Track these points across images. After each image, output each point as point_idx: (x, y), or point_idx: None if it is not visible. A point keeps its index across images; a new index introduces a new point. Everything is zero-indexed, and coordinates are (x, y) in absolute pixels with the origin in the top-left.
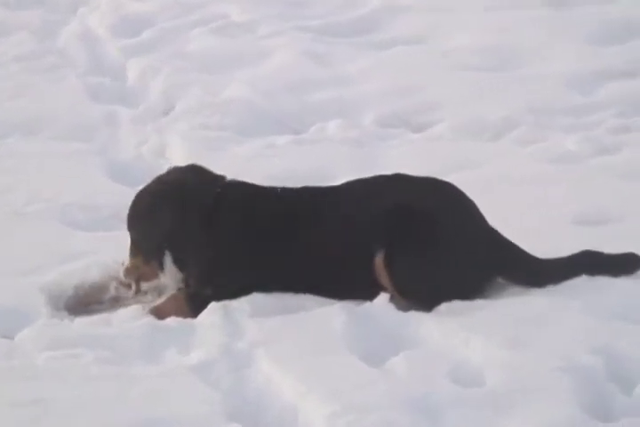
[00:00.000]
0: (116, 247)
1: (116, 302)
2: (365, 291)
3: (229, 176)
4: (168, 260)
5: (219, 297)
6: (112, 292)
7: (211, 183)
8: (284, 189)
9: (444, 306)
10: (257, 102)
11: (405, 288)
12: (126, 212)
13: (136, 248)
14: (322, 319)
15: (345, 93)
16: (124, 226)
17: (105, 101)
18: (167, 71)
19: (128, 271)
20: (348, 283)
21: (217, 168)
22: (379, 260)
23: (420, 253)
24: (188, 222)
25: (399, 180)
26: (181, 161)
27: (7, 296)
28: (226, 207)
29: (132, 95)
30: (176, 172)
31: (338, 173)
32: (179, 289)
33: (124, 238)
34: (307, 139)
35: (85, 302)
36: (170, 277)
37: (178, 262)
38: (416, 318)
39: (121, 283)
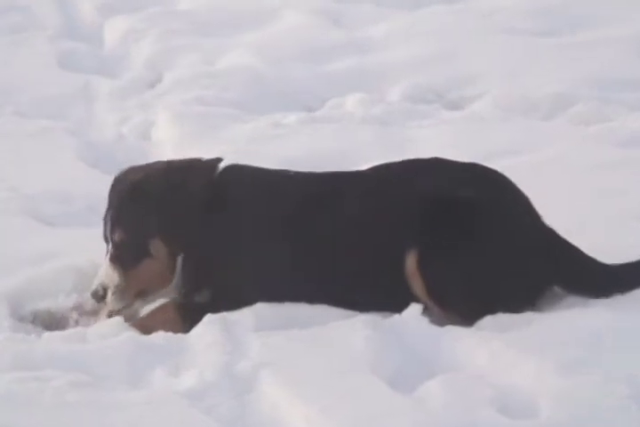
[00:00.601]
0: (92, 246)
1: (93, 314)
2: (393, 300)
3: (229, 160)
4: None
5: (217, 307)
6: (71, 324)
7: (209, 167)
8: (297, 175)
9: (488, 320)
10: (262, 72)
11: (442, 297)
12: (104, 204)
13: (126, 251)
14: (340, 335)
15: (367, 62)
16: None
17: (79, 70)
18: (154, 34)
19: (120, 288)
20: (372, 290)
21: (214, 151)
22: (410, 262)
23: (460, 254)
24: (184, 213)
25: (436, 165)
26: (170, 143)
27: None
28: (228, 195)
29: (112, 63)
30: (157, 162)
31: (358, 159)
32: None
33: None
34: (321, 117)
35: (56, 313)
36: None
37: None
38: (454, 334)
39: (84, 311)
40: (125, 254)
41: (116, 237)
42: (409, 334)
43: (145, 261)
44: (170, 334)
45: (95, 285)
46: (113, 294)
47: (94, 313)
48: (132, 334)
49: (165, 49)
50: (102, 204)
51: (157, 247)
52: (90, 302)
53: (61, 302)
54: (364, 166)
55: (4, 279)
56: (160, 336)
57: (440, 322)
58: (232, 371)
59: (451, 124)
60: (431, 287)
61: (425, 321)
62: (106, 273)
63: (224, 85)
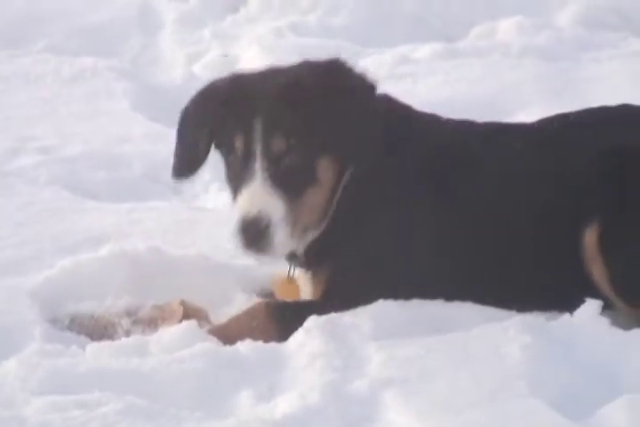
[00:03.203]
0: (153, 227)
1: (151, 323)
2: (563, 294)
3: None
4: None
5: (329, 300)
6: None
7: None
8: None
9: None
10: None
11: (631, 289)
12: (169, 169)
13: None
14: (489, 343)
15: None
16: (166, 192)
17: None
18: None
19: None
20: (533, 280)
21: None
22: (589, 239)
23: None
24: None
25: (626, 115)
26: None
27: None
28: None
29: None
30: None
31: (514, 106)
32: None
33: (168, 214)
34: (464, 49)
35: (100, 318)
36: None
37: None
38: None
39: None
40: (288, 175)
41: (279, 145)
42: (583, 340)
43: (311, 188)
44: (260, 344)
45: (252, 210)
46: (279, 228)
47: (152, 321)
48: (210, 345)
49: None
50: (165, 169)
51: (325, 168)
52: (149, 308)
53: (109, 303)
54: (523, 116)
55: (33, 272)
56: (247, 347)
57: (627, 324)
58: (344, 393)
59: None
60: (616, 275)
61: (605, 323)
62: (263, 198)
63: (330, 7)
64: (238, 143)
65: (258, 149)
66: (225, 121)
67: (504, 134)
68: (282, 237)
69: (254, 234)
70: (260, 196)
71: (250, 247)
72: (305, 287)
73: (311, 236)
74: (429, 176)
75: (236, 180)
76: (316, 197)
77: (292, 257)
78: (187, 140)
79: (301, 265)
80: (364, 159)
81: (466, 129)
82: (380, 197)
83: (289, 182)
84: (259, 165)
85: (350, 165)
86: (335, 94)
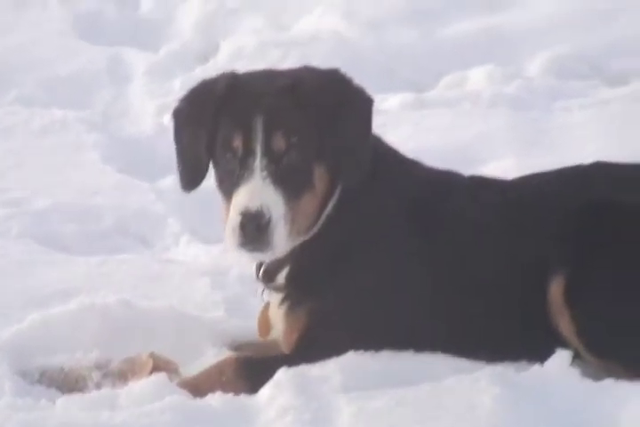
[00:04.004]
0: (124, 280)
1: (121, 377)
2: (533, 344)
3: None
4: None
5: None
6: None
7: None
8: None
9: None
10: (352, 39)
11: (598, 341)
12: (138, 221)
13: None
14: (460, 395)
15: (497, 23)
16: (136, 245)
17: (105, 41)
18: None
19: None
20: (502, 330)
21: None
22: (555, 291)
23: (624, 280)
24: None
25: (598, 174)
26: None
27: None
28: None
29: (149, 30)
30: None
31: (487, 155)
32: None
33: (139, 266)
34: (434, 98)
35: (70, 372)
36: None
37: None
38: (616, 392)
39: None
40: (287, 174)
41: (279, 143)
42: (553, 391)
43: (307, 192)
44: (230, 397)
45: (253, 205)
46: (279, 225)
47: (123, 374)
48: (180, 398)
49: (221, 9)
50: (135, 221)
51: (320, 175)
52: (119, 361)
53: (80, 357)
54: (494, 167)
55: (3, 325)
56: (217, 400)
57: (596, 375)
58: None
59: (612, 106)
60: (583, 329)
61: (575, 373)
62: (265, 194)
63: (301, 58)
64: (237, 142)
65: (258, 147)
66: (222, 120)
67: (484, 188)
68: (281, 235)
69: (254, 230)
70: (260, 191)
71: (247, 245)
72: (277, 324)
73: (298, 241)
74: (410, 220)
75: (233, 179)
76: (310, 203)
77: (271, 279)
78: (186, 146)
79: (278, 290)
80: (354, 176)
81: (448, 178)
82: (364, 237)
83: (288, 182)
84: (258, 163)
85: (341, 180)
86: (336, 101)
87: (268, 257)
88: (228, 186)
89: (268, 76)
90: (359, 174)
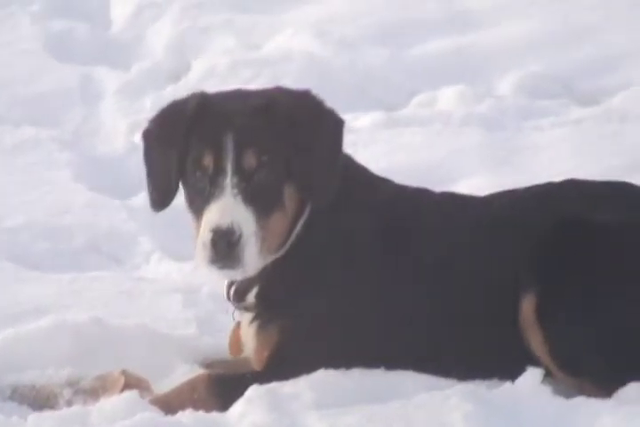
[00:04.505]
0: (95, 298)
1: (93, 394)
2: (503, 363)
3: None
4: None
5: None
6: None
7: None
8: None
9: (632, 390)
10: (324, 59)
11: (569, 359)
12: (110, 239)
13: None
14: (430, 412)
15: (468, 43)
16: (108, 262)
17: (76, 59)
18: (176, 9)
19: None
20: (473, 348)
21: None
22: (527, 308)
23: (595, 298)
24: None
25: (570, 191)
26: None
27: None
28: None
29: (121, 50)
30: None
31: (457, 174)
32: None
33: (110, 284)
34: (405, 117)
35: (42, 389)
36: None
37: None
38: (587, 409)
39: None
40: (257, 192)
41: (250, 161)
42: (525, 409)
43: (277, 211)
44: (202, 414)
45: (224, 222)
46: (250, 243)
47: (94, 391)
48: (151, 415)
49: (193, 30)
50: (106, 240)
51: (290, 195)
52: (90, 378)
53: (51, 374)
54: (465, 186)
55: None
56: (189, 417)
57: (567, 393)
58: None
59: (584, 125)
60: (554, 345)
61: (547, 391)
62: (235, 211)
63: (273, 77)
64: (208, 160)
65: (229, 164)
66: (192, 140)
67: (455, 205)
68: (252, 252)
69: (225, 246)
70: (232, 209)
71: (217, 262)
72: (248, 342)
73: (268, 260)
74: (380, 239)
75: (204, 197)
76: (280, 222)
77: (241, 299)
78: (157, 166)
79: (248, 309)
80: (324, 196)
81: (418, 196)
82: (334, 255)
83: (258, 200)
84: (229, 181)
85: (311, 200)
86: (308, 121)
87: (238, 274)
88: (198, 204)
89: (240, 96)
90: (329, 194)
